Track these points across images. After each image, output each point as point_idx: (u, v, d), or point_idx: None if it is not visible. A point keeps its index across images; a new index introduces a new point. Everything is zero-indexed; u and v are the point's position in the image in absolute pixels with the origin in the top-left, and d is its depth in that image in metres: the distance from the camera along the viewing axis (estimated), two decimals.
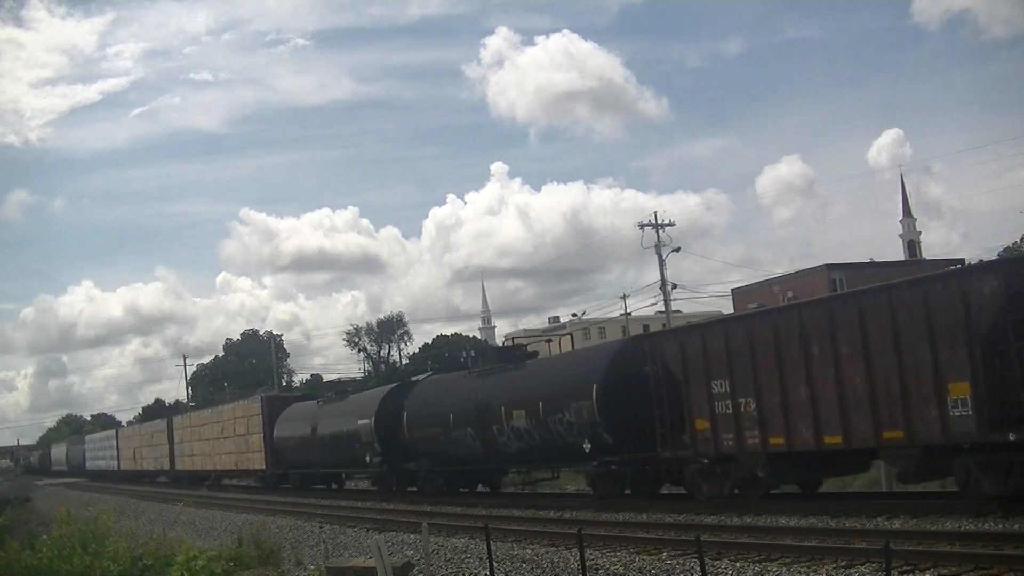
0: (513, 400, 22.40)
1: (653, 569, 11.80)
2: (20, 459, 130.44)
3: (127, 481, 60.34)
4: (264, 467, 37.64)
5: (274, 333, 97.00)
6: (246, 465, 40.07)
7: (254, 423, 38.56)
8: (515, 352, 25.71)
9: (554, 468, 24.48)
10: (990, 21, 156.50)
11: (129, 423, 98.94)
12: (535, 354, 25.49)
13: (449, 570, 13.53)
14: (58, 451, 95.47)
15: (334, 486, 35.45)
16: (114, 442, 67.17)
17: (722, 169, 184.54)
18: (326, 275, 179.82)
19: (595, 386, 19.60)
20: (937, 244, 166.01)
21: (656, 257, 49.88)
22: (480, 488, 28.02)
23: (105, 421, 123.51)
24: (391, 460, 27.96)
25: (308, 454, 33.65)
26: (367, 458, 28.67)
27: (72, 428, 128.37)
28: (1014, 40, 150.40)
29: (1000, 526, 12.11)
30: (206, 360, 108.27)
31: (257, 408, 38.77)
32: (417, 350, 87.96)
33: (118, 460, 64.60)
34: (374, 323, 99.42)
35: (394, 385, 31.11)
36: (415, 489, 27.88)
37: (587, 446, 19.86)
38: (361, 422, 29.01)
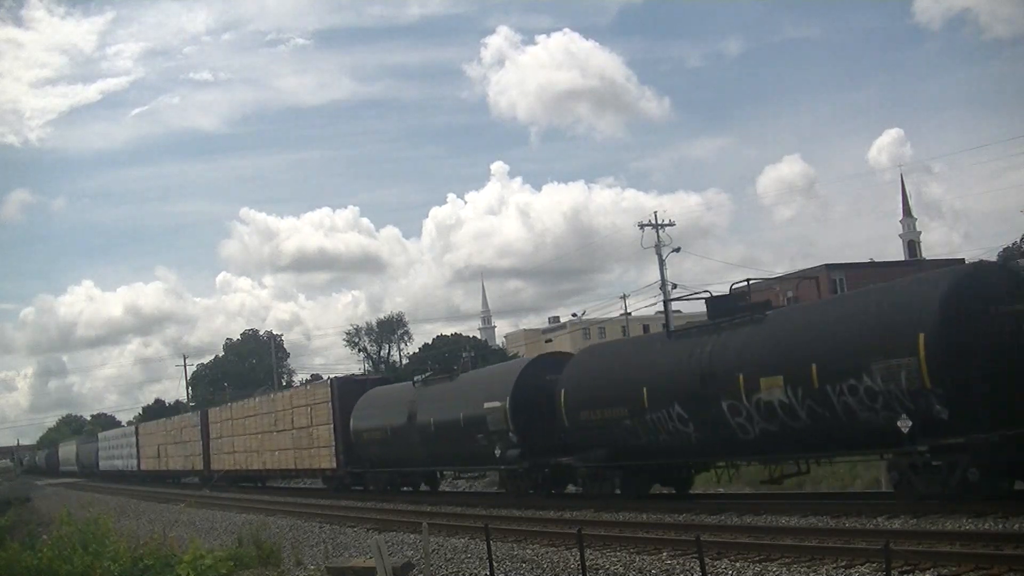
0: (759, 364, 16.33)
1: (653, 569, 11.80)
2: (23, 459, 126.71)
3: (150, 483, 54.06)
4: (334, 465, 31.43)
5: (274, 333, 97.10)
6: (308, 463, 33.61)
7: (320, 412, 32.21)
8: (742, 301, 18.77)
9: (829, 457, 17.03)
10: (992, 20, 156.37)
11: (129, 423, 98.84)
12: (767, 303, 19.06)
13: (449, 570, 13.53)
14: (67, 450, 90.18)
15: (424, 487, 29.58)
16: (133, 439, 60.79)
17: (723, 169, 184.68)
18: (326, 275, 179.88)
19: (923, 335, 13.80)
20: (938, 244, 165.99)
21: (656, 257, 50.00)
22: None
23: (105, 421, 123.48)
24: (533, 453, 22.32)
25: (400, 449, 27.48)
26: (496, 451, 22.97)
27: (72, 428, 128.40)
28: (1015, 39, 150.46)
29: (1000, 526, 12.11)
30: (206, 360, 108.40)
31: (325, 393, 32.29)
32: (417, 350, 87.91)
33: (138, 459, 58.66)
34: (374, 323, 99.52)
35: (534, 357, 25.42)
36: (574, 489, 22.74)
37: (905, 424, 14.05)
38: (489, 405, 23.16)
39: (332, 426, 31.14)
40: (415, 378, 28.94)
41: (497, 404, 22.87)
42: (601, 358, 21.66)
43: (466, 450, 24.26)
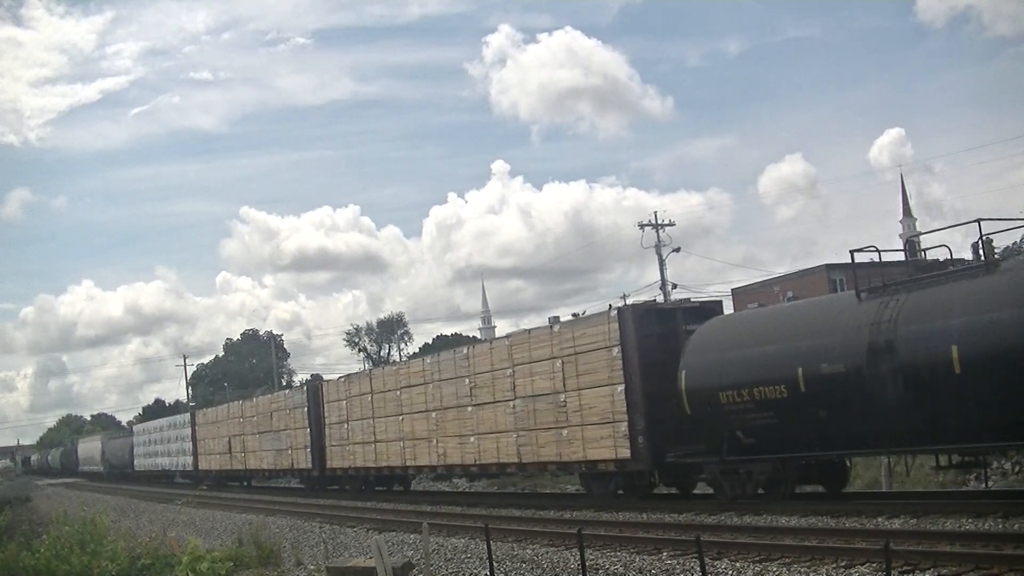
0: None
1: (653, 569, 11.79)
2: (31, 458, 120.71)
3: (222, 487, 41.08)
4: (628, 455, 18.61)
5: (274, 333, 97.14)
6: (575, 453, 19.91)
7: (601, 363, 19.18)
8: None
9: None
10: (994, 18, 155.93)
11: (130, 422, 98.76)
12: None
13: (449, 570, 13.52)
14: (89, 447, 77.46)
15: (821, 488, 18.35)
16: (188, 431, 47.19)
17: (724, 168, 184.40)
18: (327, 274, 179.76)
19: None
20: (938, 244, 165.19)
21: (656, 257, 49.93)
22: None
23: (105, 421, 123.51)
24: None
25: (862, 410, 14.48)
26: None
27: (72, 428, 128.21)
28: (1018, 37, 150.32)
29: (1000, 526, 12.11)
30: (206, 360, 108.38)
31: (601, 329, 19.30)
32: (417, 350, 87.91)
33: (195, 456, 45.97)
34: (374, 323, 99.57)
35: None
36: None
37: None
38: None
39: (622, 388, 18.70)
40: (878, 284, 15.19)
41: None
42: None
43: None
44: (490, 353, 22.87)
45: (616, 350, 18.88)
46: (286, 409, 34.97)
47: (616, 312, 19.24)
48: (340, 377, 32.41)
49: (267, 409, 37.01)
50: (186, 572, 13.27)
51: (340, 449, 30.58)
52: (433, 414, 24.85)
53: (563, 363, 20.24)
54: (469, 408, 23.21)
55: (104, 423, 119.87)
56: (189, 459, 46.87)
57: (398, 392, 26.92)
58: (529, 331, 22.09)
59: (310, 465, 32.63)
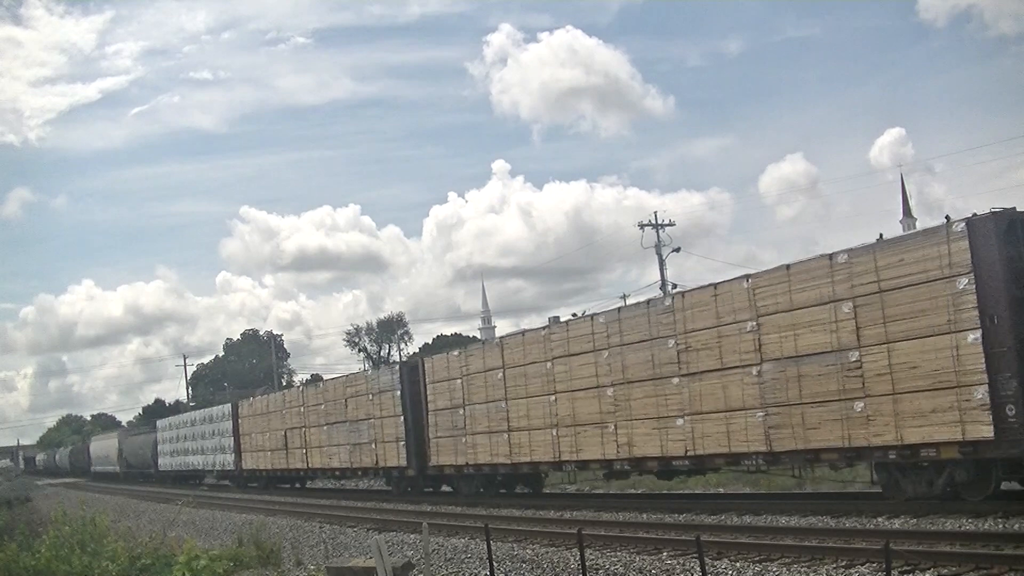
0: None
1: (653, 569, 11.79)
2: (36, 457, 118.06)
3: (271, 489, 37.20)
4: (987, 434, 12.86)
5: (274, 333, 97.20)
6: (879, 436, 14.37)
7: (934, 302, 13.67)
8: None
9: None
10: (997, 16, 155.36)
11: (129, 423, 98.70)
12: None
13: (449, 570, 13.52)
14: (104, 445, 71.29)
15: None
16: (228, 424, 40.60)
17: (725, 168, 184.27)
18: (327, 274, 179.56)
19: None
20: None
21: (656, 257, 49.93)
22: None
23: (105, 421, 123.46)
24: None
25: None
26: None
27: (72, 428, 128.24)
28: (1020, 36, 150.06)
29: (1000, 526, 12.10)
30: (206, 360, 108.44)
31: (932, 252, 13.77)
32: (417, 350, 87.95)
33: (237, 454, 39.70)
34: (374, 323, 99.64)
35: None
36: None
37: None
38: None
39: (978, 337, 13.13)
40: None
41: None
42: None
43: None
44: (714, 303, 17.12)
45: (964, 280, 13.28)
46: (369, 394, 28.46)
47: (964, 225, 13.39)
48: (454, 351, 25.39)
49: (339, 395, 30.50)
50: (183, 571, 13.26)
51: (451, 442, 24.38)
52: (609, 391, 19.37)
53: (855, 306, 14.68)
54: (675, 380, 17.85)
55: (104, 423, 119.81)
56: (229, 457, 40.35)
57: (548, 364, 21.00)
58: (788, 266, 15.87)
59: (404, 462, 26.46)
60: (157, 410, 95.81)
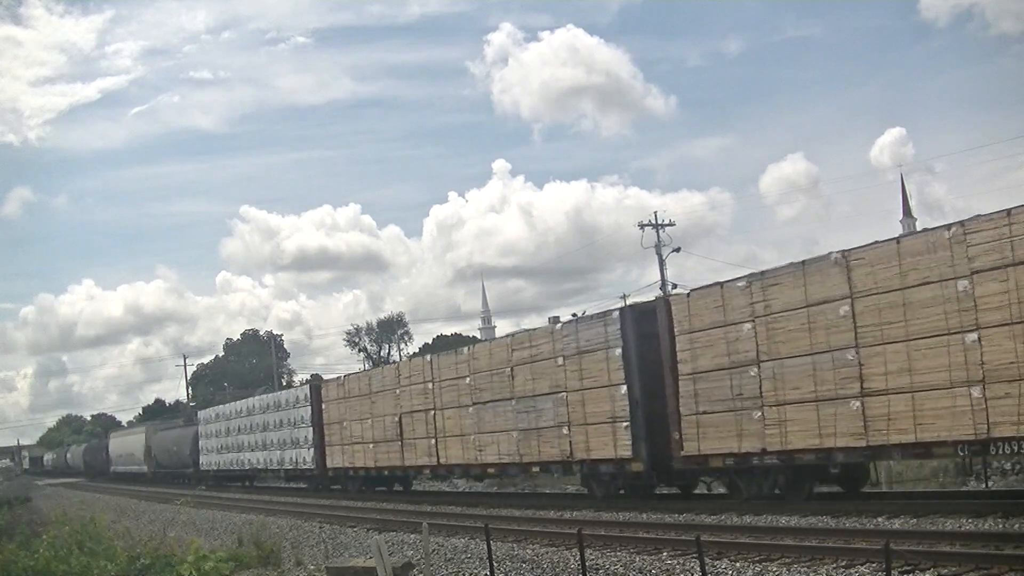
0: None
1: (653, 569, 11.79)
2: (41, 458, 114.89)
3: (370, 493, 29.69)
4: None
5: (274, 333, 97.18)
6: None
7: None
8: None
9: None
10: (998, 15, 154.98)
11: (129, 423, 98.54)
12: None
13: (449, 570, 13.52)
14: (127, 442, 63.25)
15: None
16: (305, 410, 32.88)
17: (725, 168, 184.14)
18: (327, 274, 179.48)
19: None
20: None
21: (656, 257, 49.90)
22: None
23: (105, 421, 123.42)
24: None
25: None
26: None
27: (72, 428, 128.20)
28: (1022, 34, 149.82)
29: (1000, 526, 12.11)
30: (206, 360, 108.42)
31: None
32: (417, 350, 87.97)
33: (319, 448, 31.80)
34: (374, 323, 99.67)
35: None
36: None
37: None
38: None
39: None
40: None
41: None
42: None
43: None
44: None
45: None
46: (556, 357, 20.61)
47: None
48: (739, 280, 16.87)
49: (497, 362, 22.61)
50: (190, 571, 13.27)
51: (727, 420, 16.72)
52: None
53: None
54: None
55: (104, 423, 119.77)
56: (306, 452, 32.74)
57: (957, 284, 13.31)
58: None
59: (627, 452, 18.76)
60: (157, 410, 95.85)
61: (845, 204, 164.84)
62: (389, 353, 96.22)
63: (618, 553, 13.15)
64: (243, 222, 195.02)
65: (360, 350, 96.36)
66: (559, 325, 21.57)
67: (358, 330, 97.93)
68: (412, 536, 17.16)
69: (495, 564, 12.64)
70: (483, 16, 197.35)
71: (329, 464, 31.47)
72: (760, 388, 16.12)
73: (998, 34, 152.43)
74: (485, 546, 12.84)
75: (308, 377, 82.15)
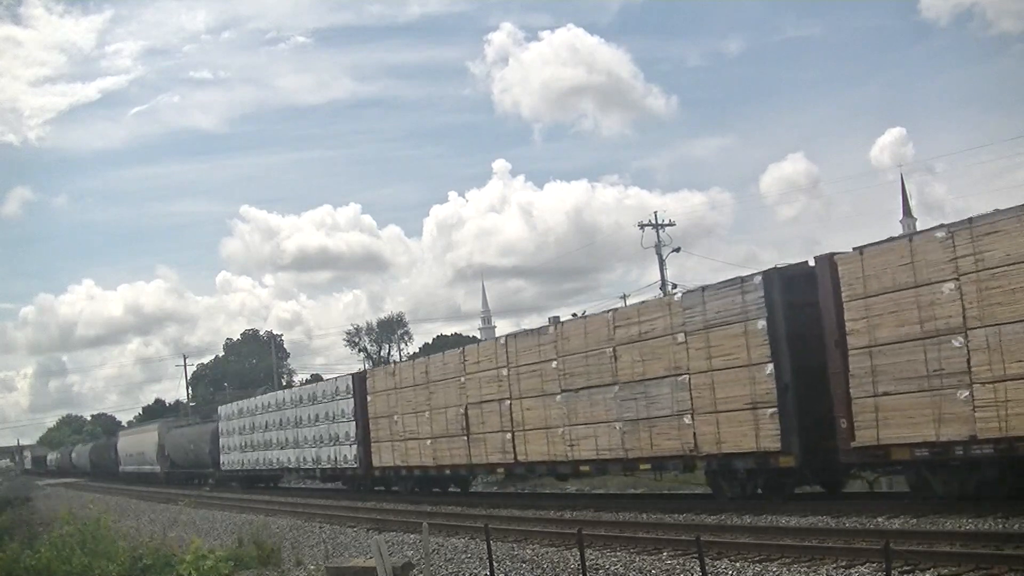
0: None
1: (653, 569, 11.79)
2: (45, 457, 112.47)
3: (424, 497, 26.53)
4: None
5: (274, 333, 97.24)
6: None
7: None
8: None
9: None
10: (999, 14, 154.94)
11: (129, 423, 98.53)
12: None
13: (449, 570, 13.52)
14: (137, 440, 59.81)
15: None
16: (348, 403, 29.75)
17: (725, 167, 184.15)
18: (327, 274, 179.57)
19: None
20: None
21: (657, 257, 49.89)
22: None
23: (105, 421, 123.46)
24: None
25: None
26: None
27: (72, 428, 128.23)
28: (1023, 34, 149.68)
29: (1000, 526, 12.10)
30: (206, 360, 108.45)
31: None
32: (417, 350, 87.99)
33: (364, 445, 28.59)
34: (374, 323, 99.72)
35: None
36: None
37: None
38: None
39: None
40: None
41: None
42: None
43: None
44: None
45: None
46: (673, 334, 17.72)
47: None
48: (904, 235, 15.19)
49: (594, 342, 19.58)
50: (189, 571, 13.29)
51: (929, 401, 13.57)
52: None
53: None
54: None
55: (104, 423, 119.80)
56: (348, 450, 29.61)
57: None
58: None
59: (775, 444, 15.76)
60: (157, 410, 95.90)
61: (845, 204, 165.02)
62: (389, 353, 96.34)
63: (618, 553, 13.16)
64: (243, 222, 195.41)
65: (360, 350, 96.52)
66: (678, 295, 18.48)
67: (358, 330, 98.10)
68: (412, 536, 17.16)
69: (495, 564, 12.65)
70: (483, 16, 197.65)
71: (376, 463, 28.17)
72: (968, 362, 13.06)
73: (998, 34, 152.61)
74: (485, 546, 12.85)
75: (308, 378, 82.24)
